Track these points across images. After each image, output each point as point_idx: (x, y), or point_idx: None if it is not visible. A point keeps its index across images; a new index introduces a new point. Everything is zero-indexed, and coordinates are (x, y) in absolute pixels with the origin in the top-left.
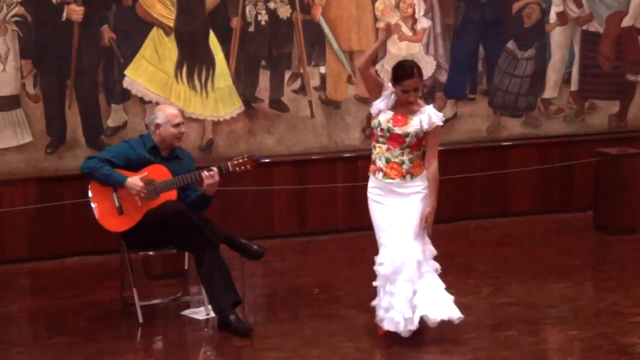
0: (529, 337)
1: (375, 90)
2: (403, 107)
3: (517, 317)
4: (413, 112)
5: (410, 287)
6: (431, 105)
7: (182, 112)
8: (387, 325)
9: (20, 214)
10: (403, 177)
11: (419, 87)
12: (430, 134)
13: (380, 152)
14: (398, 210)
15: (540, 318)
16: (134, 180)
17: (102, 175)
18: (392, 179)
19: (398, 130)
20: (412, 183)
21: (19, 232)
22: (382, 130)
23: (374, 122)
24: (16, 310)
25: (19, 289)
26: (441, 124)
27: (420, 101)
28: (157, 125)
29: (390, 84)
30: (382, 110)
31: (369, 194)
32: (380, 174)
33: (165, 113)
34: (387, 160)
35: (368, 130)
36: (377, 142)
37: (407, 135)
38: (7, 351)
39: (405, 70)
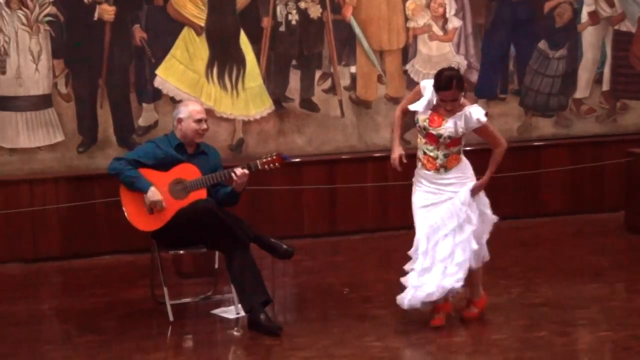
0: (559, 338)
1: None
2: (441, 108)
3: (547, 317)
4: (451, 114)
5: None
6: (474, 105)
7: (212, 112)
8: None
9: (52, 212)
10: (437, 170)
11: (457, 98)
12: (478, 132)
13: (420, 144)
14: (430, 198)
15: (571, 319)
16: (155, 194)
17: (127, 178)
18: (428, 170)
19: (432, 130)
20: (446, 175)
21: (51, 230)
22: (419, 127)
23: (416, 118)
24: (48, 309)
25: (50, 288)
26: (481, 123)
27: (463, 101)
28: (179, 120)
29: (423, 84)
30: (422, 109)
31: (414, 179)
32: (419, 164)
33: (188, 108)
34: (424, 152)
35: None
36: (419, 135)
37: (440, 136)
38: (38, 349)
39: (442, 81)
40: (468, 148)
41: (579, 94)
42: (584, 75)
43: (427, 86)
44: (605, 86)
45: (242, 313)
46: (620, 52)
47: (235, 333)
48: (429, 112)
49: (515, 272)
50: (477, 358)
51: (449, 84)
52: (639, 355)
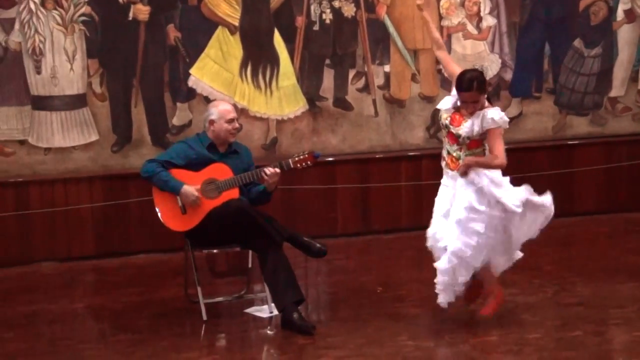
0: (594, 338)
1: (450, 75)
2: (464, 108)
3: (582, 317)
4: (471, 115)
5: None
6: (495, 108)
7: (246, 111)
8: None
9: (86, 211)
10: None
11: (478, 99)
12: (488, 135)
13: (445, 143)
14: (451, 194)
15: (606, 318)
16: (190, 190)
17: (159, 181)
18: (452, 170)
19: (452, 129)
20: (468, 176)
21: (86, 229)
22: (442, 125)
23: (439, 115)
24: (82, 307)
25: (85, 286)
26: (495, 126)
27: (485, 103)
28: (211, 122)
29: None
30: (446, 107)
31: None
32: (444, 163)
33: (219, 109)
34: (448, 152)
35: (432, 129)
36: (443, 132)
37: (458, 136)
38: (73, 347)
39: (463, 83)
40: (506, 147)
41: (614, 92)
42: (620, 73)
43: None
44: None
45: (275, 312)
46: None
47: (268, 332)
48: (452, 110)
49: (549, 271)
50: (511, 357)
51: (470, 86)
52: None
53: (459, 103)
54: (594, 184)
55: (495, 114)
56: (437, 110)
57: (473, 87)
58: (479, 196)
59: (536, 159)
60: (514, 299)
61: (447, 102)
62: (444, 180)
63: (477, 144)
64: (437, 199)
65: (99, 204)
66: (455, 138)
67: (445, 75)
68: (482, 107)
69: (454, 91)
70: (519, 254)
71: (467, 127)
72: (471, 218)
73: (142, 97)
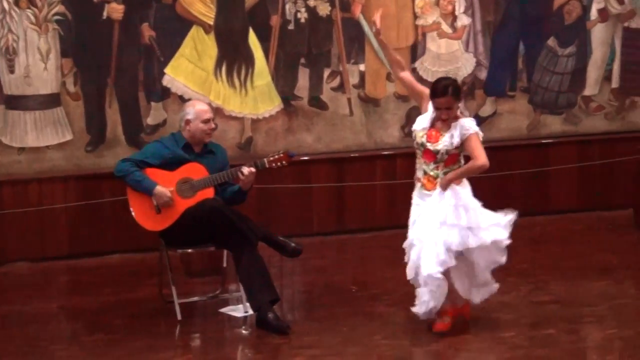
0: (568, 336)
1: (415, 96)
2: (439, 122)
3: (556, 315)
4: (447, 128)
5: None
6: (467, 118)
7: (221, 110)
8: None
9: (60, 211)
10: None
11: (452, 106)
12: (465, 143)
13: (419, 163)
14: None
15: (580, 316)
16: (163, 190)
17: (133, 181)
18: (429, 190)
19: (430, 146)
20: (448, 195)
21: (60, 229)
22: (417, 144)
23: (413, 135)
24: (56, 308)
25: (59, 286)
26: (473, 132)
27: (458, 114)
28: (187, 122)
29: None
30: (421, 125)
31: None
32: (419, 184)
33: (195, 109)
34: (424, 172)
35: (407, 127)
36: (417, 156)
37: (437, 152)
38: (46, 348)
39: (438, 88)
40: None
41: (588, 91)
42: (593, 72)
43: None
44: (615, 83)
45: (250, 311)
46: (629, 49)
47: (243, 332)
48: (427, 127)
49: (524, 270)
50: (485, 355)
51: (445, 91)
52: None
53: (433, 115)
54: (568, 183)
55: (470, 121)
56: (413, 109)
57: (448, 92)
58: (455, 212)
59: (510, 157)
60: (488, 297)
61: (422, 122)
62: (416, 200)
63: (454, 159)
64: (411, 220)
65: (73, 203)
66: (433, 155)
67: (411, 97)
68: (456, 118)
69: (430, 107)
70: (494, 286)
71: (445, 140)
72: (445, 233)
73: (116, 96)
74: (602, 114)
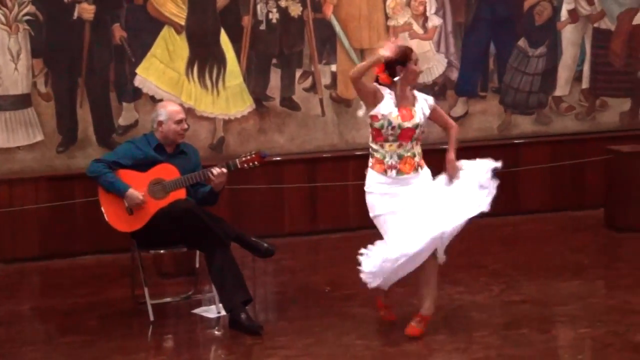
0: (540, 335)
1: (370, 96)
2: (403, 101)
3: (528, 315)
4: (413, 103)
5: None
6: (415, 90)
7: (193, 111)
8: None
9: (32, 212)
10: (416, 169)
11: None
12: (433, 113)
13: (391, 150)
14: (413, 195)
15: (552, 316)
16: (135, 193)
17: (105, 182)
18: (407, 173)
19: (408, 124)
20: (423, 175)
21: (31, 230)
22: (392, 128)
23: (380, 124)
24: (28, 309)
25: (31, 288)
26: (432, 101)
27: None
28: (160, 123)
29: (379, 85)
30: (390, 111)
31: (373, 189)
32: (394, 171)
33: (167, 110)
34: (400, 157)
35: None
36: (386, 141)
37: (416, 126)
38: (19, 349)
39: (409, 49)
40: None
41: (558, 91)
42: (564, 73)
43: (380, 87)
44: (585, 84)
45: (223, 312)
46: (599, 50)
47: (216, 332)
48: (396, 110)
49: (496, 270)
50: (458, 355)
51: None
52: (618, 351)
53: (393, 97)
54: (539, 183)
55: (422, 93)
56: None
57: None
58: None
59: (482, 157)
60: (460, 297)
61: (386, 107)
62: (388, 189)
63: (421, 135)
64: (388, 206)
65: (45, 204)
66: (412, 132)
67: (364, 96)
68: (410, 92)
69: (386, 91)
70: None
71: (419, 113)
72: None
73: (87, 97)
74: (573, 114)
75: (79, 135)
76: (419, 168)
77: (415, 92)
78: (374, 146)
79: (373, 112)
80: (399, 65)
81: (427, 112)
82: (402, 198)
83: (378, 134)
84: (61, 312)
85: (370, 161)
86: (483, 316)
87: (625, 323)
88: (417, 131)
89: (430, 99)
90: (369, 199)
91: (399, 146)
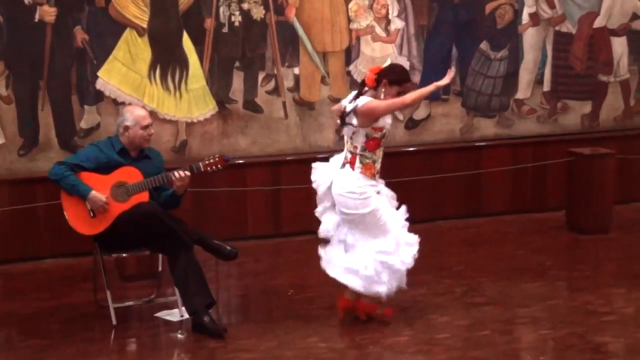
0: (502, 337)
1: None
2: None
3: (490, 316)
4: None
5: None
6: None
7: (155, 114)
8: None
9: None
10: (379, 173)
11: None
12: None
13: (380, 156)
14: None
15: (514, 317)
16: (97, 196)
17: (67, 184)
18: (380, 177)
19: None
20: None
21: None
22: (383, 134)
23: (383, 133)
24: None
25: None
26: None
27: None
28: (126, 128)
29: (349, 100)
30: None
31: (366, 190)
32: (378, 174)
33: (134, 115)
34: (376, 161)
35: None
36: (379, 147)
37: (383, 136)
38: None
39: (407, 73)
40: (415, 149)
41: (520, 94)
42: (525, 76)
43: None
44: (546, 87)
45: (186, 315)
46: (560, 53)
47: (179, 336)
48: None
49: (458, 272)
50: (421, 357)
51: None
52: (580, 352)
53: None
54: (501, 185)
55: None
56: None
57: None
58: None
59: (444, 160)
60: (423, 299)
61: (389, 117)
62: (376, 188)
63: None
64: (388, 212)
65: (6, 208)
66: (381, 141)
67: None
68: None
69: (380, 97)
70: None
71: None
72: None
73: (49, 99)
74: (534, 117)
75: (40, 139)
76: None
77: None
78: (367, 154)
79: (379, 124)
80: (390, 82)
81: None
82: (383, 196)
83: (377, 143)
84: (22, 316)
85: (359, 167)
86: (446, 318)
87: (586, 324)
88: (384, 140)
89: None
90: (364, 199)
91: (380, 151)
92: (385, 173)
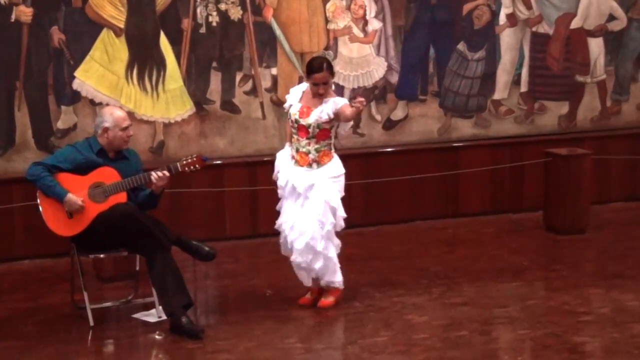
0: (480, 337)
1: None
2: (310, 99)
3: (468, 317)
4: (317, 104)
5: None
6: (339, 97)
7: (132, 114)
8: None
9: None
10: (310, 165)
11: (328, 81)
12: (340, 110)
13: (294, 142)
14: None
15: (492, 318)
16: (74, 198)
17: (44, 185)
18: (301, 166)
19: (302, 121)
20: (318, 171)
21: None
22: (292, 121)
23: (288, 114)
24: None
25: None
26: (345, 102)
27: (331, 93)
28: (105, 129)
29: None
30: (292, 104)
31: (279, 156)
32: (293, 161)
33: (114, 117)
34: (297, 149)
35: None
36: (292, 131)
37: (309, 126)
38: None
39: (314, 66)
40: (392, 149)
41: (497, 95)
42: (503, 76)
43: (292, 90)
44: (524, 87)
45: (164, 316)
46: (537, 54)
47: (157, 337)
48: (299, 105)
49: (436, 272)
50: (399, 358)
51: (321, 67)
52: (557, 352)
53: (305, 92)
54: (479, 186)
55: (342, 98)
56: None
57: (324, 68)
58: (332, 193)
59: (422, 160)
60: (401, 300)
61: (293, 99)
62: (287, 164)
63: (325, 135)
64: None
65: None
66: (306, 130)
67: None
68: (330, 95)
69: (295, 90)
70: None
71: (315, 115)
72: (326, 211)
73: (25, 100)
74: (512, 117)
75: (17, 139)
76: (314, 164)
77: (334, 97)
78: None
79: (285, 104)
80: (305, 74)
81: (327, 115)
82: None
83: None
84: None
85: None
86: (423, 318)
87: (564, 324)
88: (311, 130)
89: (343, 101)
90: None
91: (297, 140)
92: (363, 173)
